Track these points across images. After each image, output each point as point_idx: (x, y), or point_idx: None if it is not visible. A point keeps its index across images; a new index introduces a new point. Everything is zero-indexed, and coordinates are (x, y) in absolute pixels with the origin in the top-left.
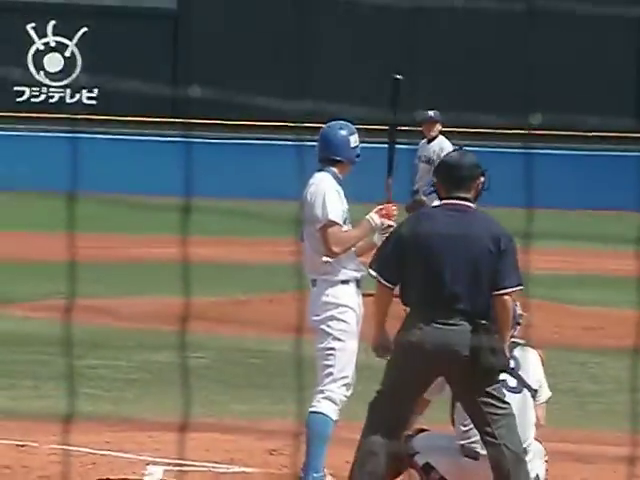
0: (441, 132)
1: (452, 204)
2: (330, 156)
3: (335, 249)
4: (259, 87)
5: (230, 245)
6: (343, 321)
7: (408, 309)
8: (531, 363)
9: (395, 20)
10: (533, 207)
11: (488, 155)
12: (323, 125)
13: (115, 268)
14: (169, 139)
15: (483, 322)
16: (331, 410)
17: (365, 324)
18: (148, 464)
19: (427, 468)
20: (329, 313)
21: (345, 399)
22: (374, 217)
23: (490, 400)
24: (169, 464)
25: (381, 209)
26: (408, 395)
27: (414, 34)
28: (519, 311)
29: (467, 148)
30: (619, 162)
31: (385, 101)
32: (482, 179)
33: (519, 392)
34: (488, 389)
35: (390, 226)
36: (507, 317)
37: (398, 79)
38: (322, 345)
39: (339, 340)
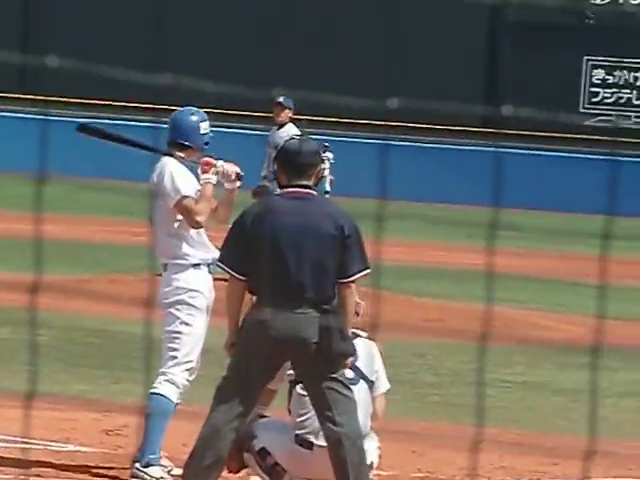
0: (291, 119)
1: (294, 192)
2: (178, 140)
3: (198, 219)
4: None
5: (76, 223)
6: (192, 306)
7: (255, 298)
8: (369, 354)
9: None
10: (386, 198)
11: (340, 144)
12: (177, 107)
13: None
14: (17, 115)
15: (330, 309)
16: (172, 392)
17: (216, 306)
18: None
19: (263, 453)
20: (179, 297)
21: (187, 383)
22: (203, 176)
23: (334, 385)
24: (6, 441)
25: (202, 167)
26: (254, 381)
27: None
28: (358, 300)
29: (316, 137)
30: (471, 155)
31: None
32: (322, 166)
33: (356, 383)
34: (334, 375)
35: (217, 168)
36: (352, 304)
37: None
38: (169, 328)
39: (187, 325)
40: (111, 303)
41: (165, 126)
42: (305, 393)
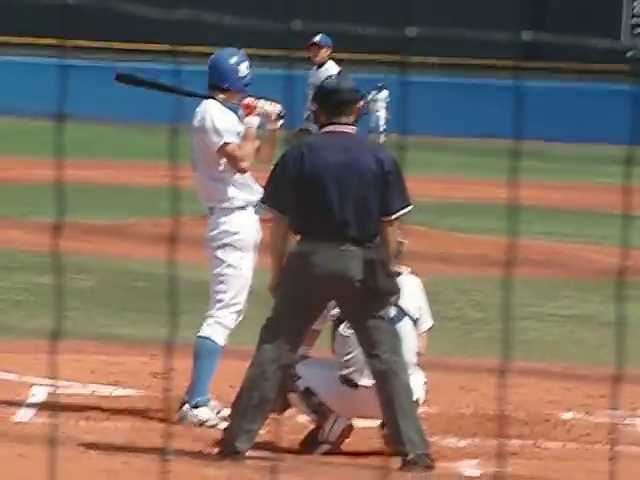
0: (331, 57)
1: (334, 130)
2: (217, 83)
3: (243, 164)
4: None
5: (115, 168)
6: (239, 249)
7: (298, 237)
8: (412, 291)
9: None
10: (406, 134)
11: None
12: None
13: None
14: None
15: (373, 246)
16: (219, 335)
17: (261, 247)
18: (32, 385)
19: (308, 393)
20: (226, 240)
21: (234, 325)
22: (245, 120)
23: (380, 323)
24: (53, 385)
25: (244, 109)
26: (299, 320)
27: None
28: (400, 239)
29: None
30: (497, 90)
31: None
32: (361, 103)
33: (399, 321)
34: (379, 312)
35: (259, 109)
36: (395, 241)
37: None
38: (217, 271)
39: (234, 267)
40: (156, 246)
41: (187, 68)
42: (348, 333)
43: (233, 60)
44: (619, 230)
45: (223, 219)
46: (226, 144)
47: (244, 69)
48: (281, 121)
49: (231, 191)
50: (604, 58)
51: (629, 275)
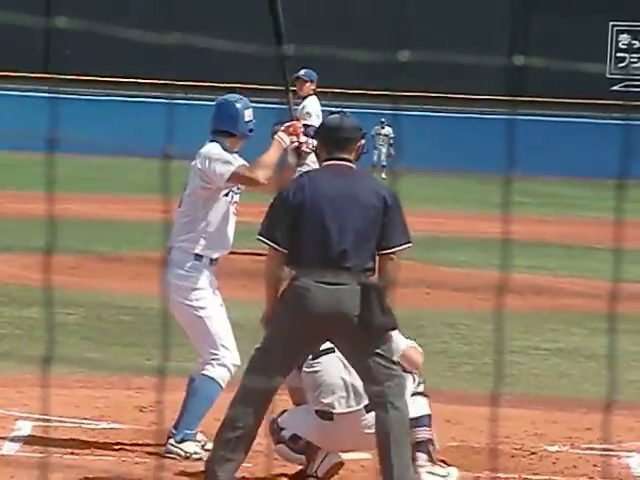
0: (315, 92)
1: (335, 164)
2: (222, 128)
3: (258, 174)
4: None
5: (102, 202)
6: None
7: (293, 271)
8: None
9: None
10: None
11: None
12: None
13: None
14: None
15: (371, 281)
16: (223, 377)
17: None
18: (17, 419)
19: (294, 439)
20: (181, 283)
21: (235, 367)
22: (282, 136)
23: (380, 360)
24: (38, 419)
25: (288, 127)
26: (289, 355)
27: None
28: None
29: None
30: (485, 124)
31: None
32: (363, 142)
33: None
34: (378, 350)
35: (300, 143)
36: (395, 276)
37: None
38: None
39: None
40: (142, 280)
41: (179, 102)
42: (311, 369)
43: (239, 105)
44: (603, 264)
45: (180, 264)
46: (237, 168)
47: (249, 114)
48: (295, 160)
49: (197, 236)
50: (590, 92)
51: (616, 308)
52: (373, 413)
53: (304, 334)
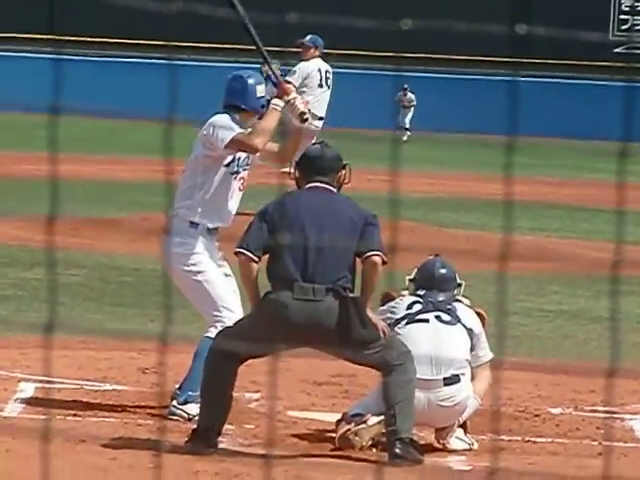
0: (320, 56)
1: (315, 186)
2: (234, 103)
3: (256, 140)
4: None
5: (103, 163)
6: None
7: (271, 284)
8: (472, 317)
9: None
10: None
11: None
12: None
13: None
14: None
15: (350, 295)
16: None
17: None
18: (20, 381)
19: (357, 416)
20: (178, 250)
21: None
22: (276, 101)
23: (368, 355)
24: (41, 381)
25: (280, 87)
26: (260, 348)
27: None
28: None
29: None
30: (490, 85)
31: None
32: (343, 172)
33: (454, 324)
34: (364, 350)
35: (290, 97)
36: (376, 279)
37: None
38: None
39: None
40: (143, 242)
41: (181, 63)
42: (398, 336)
43: (251, 81)
44: (608, 225)
45: (174, 229)
46: (236, 135)
47: (261, 90)
48: (302, 123)
49: (195, 204)
50: (593, 54)
51: (620, 270)
52: (452, 387)
53: (280, 341)
